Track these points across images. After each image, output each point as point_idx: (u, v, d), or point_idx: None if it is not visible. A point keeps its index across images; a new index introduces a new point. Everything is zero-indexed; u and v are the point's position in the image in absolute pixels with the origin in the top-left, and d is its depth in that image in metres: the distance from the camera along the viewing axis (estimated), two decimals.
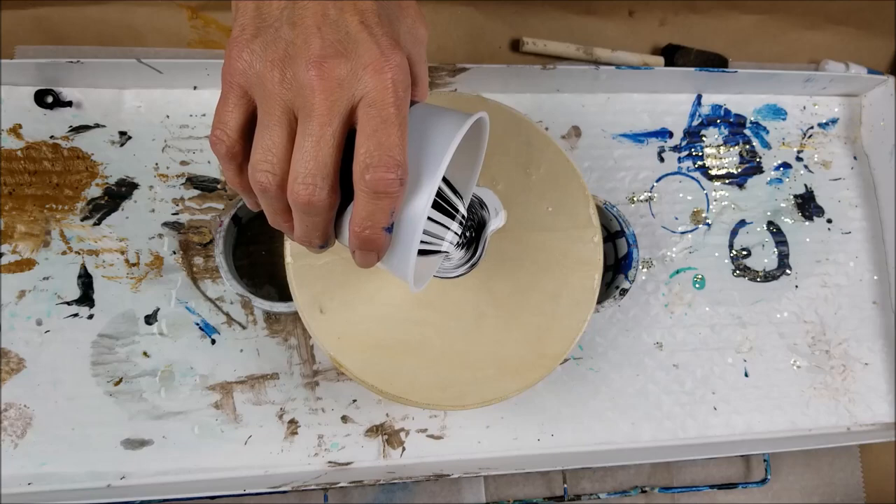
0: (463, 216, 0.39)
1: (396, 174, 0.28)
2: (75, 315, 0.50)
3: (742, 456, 0.58)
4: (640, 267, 0.57)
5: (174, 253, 0.52)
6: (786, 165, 0.62)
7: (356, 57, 0.27)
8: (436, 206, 0.38)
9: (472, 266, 0.45)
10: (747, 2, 0.64)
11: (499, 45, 0.61)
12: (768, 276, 0.60)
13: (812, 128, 0.63)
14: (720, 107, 0.61)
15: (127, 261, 0.52)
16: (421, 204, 0.30)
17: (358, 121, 0.28)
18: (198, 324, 0.52)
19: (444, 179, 0.38)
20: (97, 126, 0.53)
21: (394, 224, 0.31)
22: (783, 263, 0.60)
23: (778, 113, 0.62)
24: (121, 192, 0.52)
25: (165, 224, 0.52)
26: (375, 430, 0.53)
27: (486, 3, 0.60)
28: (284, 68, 0.28)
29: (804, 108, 0.63)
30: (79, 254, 0.51)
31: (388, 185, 0.28)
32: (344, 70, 0.27)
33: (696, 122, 0.61)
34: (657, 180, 0.59)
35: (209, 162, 0.53)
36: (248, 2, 0.29)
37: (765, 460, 0.57)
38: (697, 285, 0.58)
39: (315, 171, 0.28)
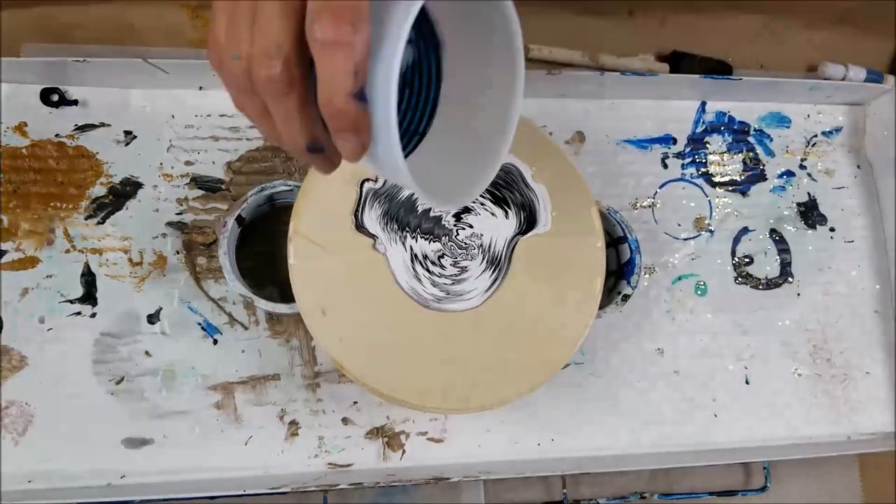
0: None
1: (349, 20, 0.25)
2: (78, 313, 0.51)
3: (742, 463, 0.58)
4: (643, 273, 0.57)
5: (177, 253, 0.52)
6: (789, 173, 0.62)
7: None
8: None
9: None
10: (747, 2, 0.64)
11: None
12: (770, 284, 0.60)
13: (816, 136, 0.63)
14: (724, 114, 0.61)
15: (130, 260, 0.52)
16: (389, 58, 0.26)
17: None
18: (200, 324, 0.52)
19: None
20: (102, 125, 0.53)
21: (365, 92, 0.27)
22: (785, 271, 0.60)
23: (782, 121, 0.62)
24: (125, 191, 0.52)
25: (169, 224, 0.52)
26: (376, 433, 0.53)
27: None
28: None
29: (808, 116, 0.63)
30: (82, 252, 0.51)
31: (338, 33, 0.25)
32: None
33: (700, 129, 0.61)
34: (660, 186, 0.59)
35: (213, 162, 0.53)
36: None
37: (765, 468, 0.57)
38: (699, 292, 0.58)
39: (269, 43, 0.26)
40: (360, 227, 0.46)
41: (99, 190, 0.52)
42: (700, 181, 0.60)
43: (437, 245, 0.47)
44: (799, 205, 0.61)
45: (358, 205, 0.46)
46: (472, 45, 0.34)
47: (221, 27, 0.28)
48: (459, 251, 0.47)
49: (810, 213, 0.61)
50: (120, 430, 0.50)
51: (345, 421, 0.52)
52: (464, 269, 0.47)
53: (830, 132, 0.63)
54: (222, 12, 0.28)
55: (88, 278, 0.51)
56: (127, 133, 0.53)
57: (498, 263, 0.47)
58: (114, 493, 0.48)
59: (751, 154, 0.61)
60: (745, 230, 0.60)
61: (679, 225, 0.59)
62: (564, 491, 0.54)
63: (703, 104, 0.61)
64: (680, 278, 0.58)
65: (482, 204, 0.48)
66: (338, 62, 0.25)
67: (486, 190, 0.47)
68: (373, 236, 0.46)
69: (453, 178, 0.36)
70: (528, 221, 0.48)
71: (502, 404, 0.45)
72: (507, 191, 0.48)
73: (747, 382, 0.58)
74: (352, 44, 0.25)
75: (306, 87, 0.28)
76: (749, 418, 0.57)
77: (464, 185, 0.36)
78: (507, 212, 0.48)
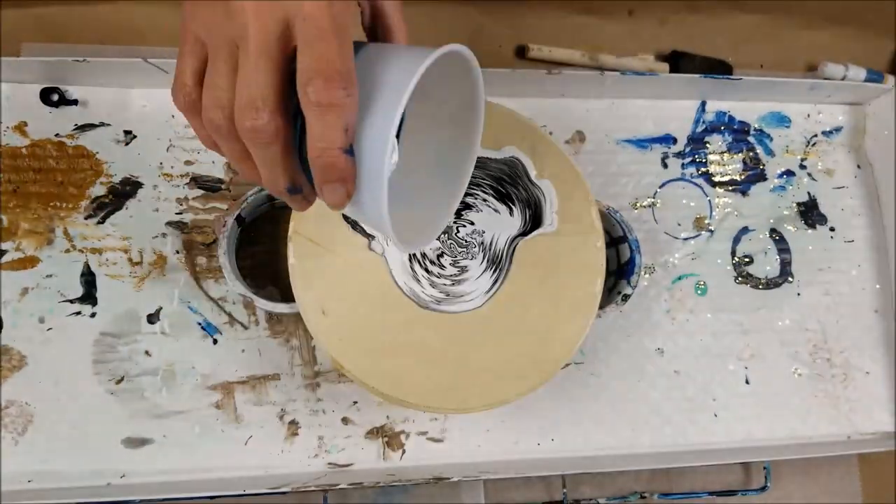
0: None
1: (340, 84, 0.27)
2: (78, 313, 0.51)
3: (742, 463, 0.58)
4: (643, 273, 0.57)
5: (177, 252, 0.52)
6: (789, 173, 0.62)
7: None
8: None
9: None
10: (747, 1, 0.64)
11: (499, 45, 0.61)
12: (770, 284, 0.60)
13: (816, 136, 0.63)
14: (724, 113, 0.61)
15: (130, 259, 0.52)
16: (386, 119, 0.28)
17: (297, 38, 0.27)
18: (200, 323, 0.52)
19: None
20: (102, 125, 0.53)
21: (353, 148, 0.29)
22: (785, 271, 0.60)
23: (782, 120, 0.62)
24: (125, 190, 0.52)
25: (169, 223, 0.52)
26: (376, 433, 0.53)
27: (486, 3, 0.60)
28: (227, 4, 0.27)
29: (808, 115, 0.63)
30: (82, 252, 0.51)
31: (331, 97, 0.27)
32: None
33: (700, 129, 0.61)
34: (660, 186, 0.59)
35: (213, 162, 0.53)
36: None
37: (765, 468, 0.57)
38: (699, 292, 0.58)
39: (255, 95, 0.27)
40: (355, 226, 0.46)
41: (99, 189, 0.52)
42: (700, 181, 0.60)
43: (436, 242, 0.47)
44: (799, 204, 0.61)
45: None
46: (435, 87, 0.34)
47: (189, 70, 0.29)
48: (459, 249, 0.47)
49: (810, 213, 0.61)
50: (120, 429, 0.50)
51: (345, 421, 0.52)
52: (464, 269, 0.47)
53: (830, 132, 0.63)
54: (190, 56, 0.29)
55: (88, 278, 0.51)
56: (127, 133, 0.53)
57: (499, 263, 0.47)
58: (114, 492, 0.48)
59: (751, 154, 0.61)
60: (745, 230, 0.60)
61: (679, 224, 0.59)
62: (564, 491, 0.54)
63: (704, 104, 0.61)
64: (680, 278, 0.58)
65: (484, 200, 0.47)
66: (330, 121, 0.27)
67: (489, 185, 0.47)
68: (369, 236, 0.46)
69: (415, 220, 0.37)
70: (534, 220, 0.48)
71: (502, 404, 0.45)
72: (512, 186, 0.47)
73: (747, 382, 0.58)
74: (344, 106, 0.27)
75: (290, 135, 0.29)
76: (749, 418, 0.57)
77: (422, 227, 0.37)
78: (511, 208, 0.47)
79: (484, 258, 0.47)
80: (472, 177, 0.39)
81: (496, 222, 0.47)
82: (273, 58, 0.27)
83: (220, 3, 0.27)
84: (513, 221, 0.47)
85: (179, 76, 0.29)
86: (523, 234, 0.47)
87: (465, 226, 0.47)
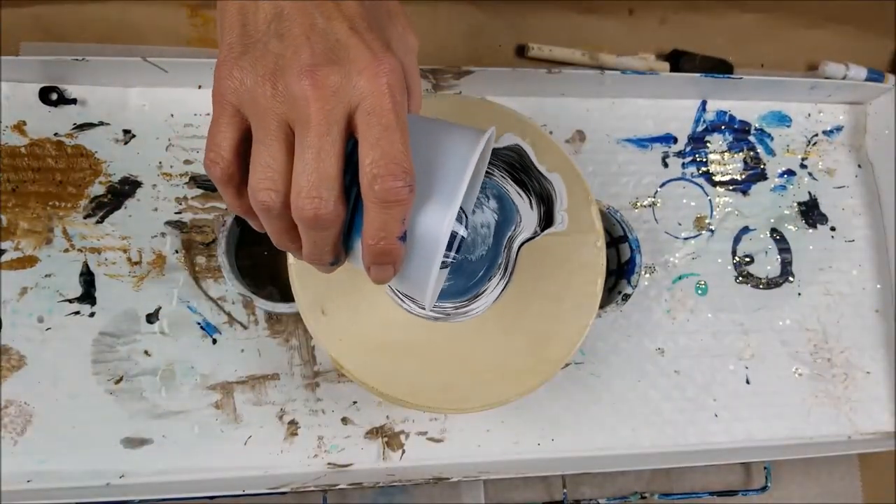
0: (465, 222, 0.38)
1: (405, 181, 0.27)
2: (77, 313, 0.50)
3: (742, 463, 0.58)
4: (643, 272, 0.57)
5: (176, 252, 0.52)
6: (790, 172, 0.62)
7: (349, 63, 0.27)
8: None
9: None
10: (748, 1, 0.64)
11: (499, 44, 0.61)
12: (771, 284, 0.60)
13: (817, 135, 0.63)
14: (725, 113, 0.61)
15: (129, 259, 0.52)
16: (441, 218, 0.29)
17: (358, 130, 0.28)
18: (199, 323, 0.52)
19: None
20: (101, 124, 0.53)
21: (406, 234, 0.30)
22: (786, 271, 0.60)
23: (783, 120, 0.62)
24: (124, 190, 0.52)
25: (168, 223, 0.52)
26: (375, 433, 0.52)
27: (486, 2, 0.60)
28: (276, 81, 0.27)
29: (809, 115, 0.63)
30: (81, 251, 0.51)
31: (397, 194, 0.27)
32: (337, 77, 0.27)
33: (700, 128, 0.61)
34: (661, 186, 0.59)
35: None
36: (234, 19, 0.28)
37: (765, 468, 0.57)
38: (700, 291, 0.58)
39: (319, 183, 0.27)
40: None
41: (98, 189, 0.52)
42: (700, 180, 0.60)
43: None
44: (800, 204, 0.61)
45: None
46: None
47: (226, 143, 0.29)
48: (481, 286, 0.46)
49: (811, 213, 0.61)
50: (119, 429, 0.50)
51: (344, 421, 0.52)
52: (476, 297, 0.46)
53: (831, 131, 0.63)
54: (228, 127, 0.29)
55: (87, 277, 0.51)
56: (126, 132, 0.53)
57: (510, 269, 0.46)
58: (113, 492, 0.48)
59: (751, 153, 0.61)
60: (745, 229, 0.60)
61: (679, 224, 0.59)
62: (564, 491, 0.54)
63: (704, 103, 0.61)
64: (680, 278, 0.58)
65: (508, 189, 0.46)
66: (392, 214, 0.28)
67: (506, 170, 0.46)
68: None
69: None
70: (547, 217, 0.47)
71: (502, 404, 0.45)
72: (525, 174, 0.47)
73: (748, 382, 0.58)
74: (406, 201, 0.28)
75: (346, 219, 0.30)
76: (749, 418, 0.57)
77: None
78: (530, 201, 0.46)
79: (505, 272, 0.46)
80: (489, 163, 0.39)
81: (526, 216, 0.46)
82: (336, 146, 0.27)
83: (268, 82, 0.27)
84: (531, 217, 0.47)
85: (214, 147, 0.29)
86: (534, 235, 0.47)
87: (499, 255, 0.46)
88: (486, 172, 0.42)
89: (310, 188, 0.28)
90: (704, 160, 0.60)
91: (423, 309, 0.44)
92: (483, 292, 0.45)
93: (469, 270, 0.45)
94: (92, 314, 0.51)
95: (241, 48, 0.28)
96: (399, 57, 0.29)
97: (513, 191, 0.46)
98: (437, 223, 0.29)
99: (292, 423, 0.52)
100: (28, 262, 0.51)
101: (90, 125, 0.52)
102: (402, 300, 0.45)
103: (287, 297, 0.47)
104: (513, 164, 0.47)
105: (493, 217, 0.46)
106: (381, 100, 0.27)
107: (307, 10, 0.27)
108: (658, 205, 0.59)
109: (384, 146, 0.27)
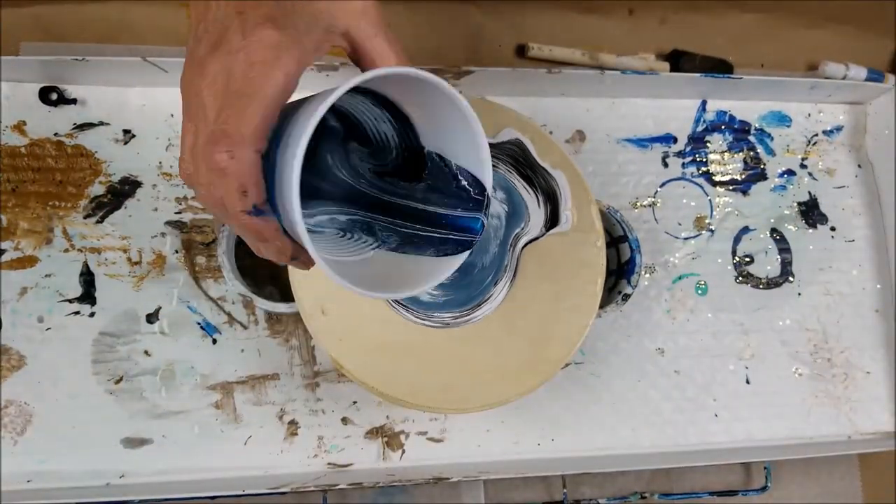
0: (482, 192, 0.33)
1: (221, 147, 0.27)
2: (77, 313, 0.50)
3: (742, 463, 0.58)
4: (643, 272, 0.57)
5: (176, 252, 0.52)
6: (790, 172, 0.61)
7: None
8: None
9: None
10: (748, 1, 0.64)
11: (499, 44, 0.61)
12: (771, 284, 0.60)
13: (817, 135, 0.63)
14: (725, 113, 0.61)
15: (129, 259, 0.52)
16: (291, 156, 0.27)
17: None
18: (199, 323, 0.52)
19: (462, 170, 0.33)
20: (101, 124, 0.52)
21: (257, 206, 0.29)
22: (786, 271, 0.60)
23: (783, 120, 0.62)
24: (124, 190, 0.52)
25: (168, 223, 0.52)
26: (375, 433, 0.52)
27: (486, 2, 0.60)
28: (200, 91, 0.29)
29: (809, 115, 0.63)
30: (81, 251, 0.51)
31: (217, 163, 0.28)
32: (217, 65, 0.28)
33: (700, 128, 0.61)
34: (661, 185, 0.59)
35: None
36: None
37: (765, 468, 0.56)
38: (700, 291, 0.58)
39: (185, 156, 0.30)
40: None
41: (98, 189, 0.52)
42: (700, 180, 0.60)
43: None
44: (800, 204, 0.61)
45: None
46: (436, 120, 0.33)
47: (186, 145, 0.30)
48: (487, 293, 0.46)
49: (811, 213, 0.61)
50: (119, 429, 0.50)
51: (344, 421, 0.52)
52: (481, 304, 0.46)
53: (831, 131, 0.63)
54: (187, 133, 0.30)
55: (87, 277, 0.51)
56: (126, 132, 0.53)
57: (514, 271, 0.46)
58: (113, 492, 0.48)
59: (751, 153, 0.61)
60: (745, 229, 0.60)
61: (679, 224, 0.59)
62: (564, 491, 0.54)
63: (704, 103, 0.61)
64: (680, 278, 0.58)
65: (514, 182, 0.46)
66: (225, 185, 0.29)
67: (511, 164, 0.46)
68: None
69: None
70: (552, 216, 0.47)
71: (502, 404, 0.45)
72: (529, 169, 0.47)
73: (748, 382, 0.58)
74: (231, 171, 0.28)
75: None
76: (749, 418, 0.57)
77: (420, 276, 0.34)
78: (537, 198, 0.46)
79: (510, 275, 0.46)
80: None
81: (534, 214, 0.46)
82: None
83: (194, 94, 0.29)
84: (539, 216, 0.46)
85: (181, 150, 0.30)
86: (539, 235, 0.46)
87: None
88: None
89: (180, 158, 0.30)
90: (704, 160, 0.60)
91: (419, 321, 0.45)
92: (487, 299, 0.45)
93: (478, 279, 0.45)
94: (92, 314, 0.51)
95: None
96: (325, 23, 0.30)
97: (520, 186, 0.46)
98: (290, 165, 0.27)
99: (292, 423, 0.52)
100: (28, 262, 0.51)
101: (90, 125, 0.52)
102: (397, 309, 0.45)
103: (287, 297, 0.47)
104: (517, 157, 0.46)
105: (503, 208, 0.46)
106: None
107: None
108: (658, 205, 0.59)
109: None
